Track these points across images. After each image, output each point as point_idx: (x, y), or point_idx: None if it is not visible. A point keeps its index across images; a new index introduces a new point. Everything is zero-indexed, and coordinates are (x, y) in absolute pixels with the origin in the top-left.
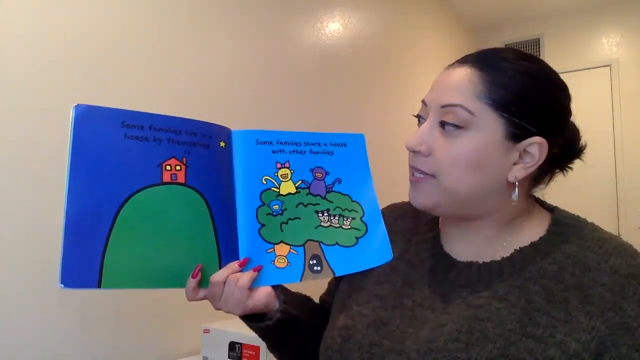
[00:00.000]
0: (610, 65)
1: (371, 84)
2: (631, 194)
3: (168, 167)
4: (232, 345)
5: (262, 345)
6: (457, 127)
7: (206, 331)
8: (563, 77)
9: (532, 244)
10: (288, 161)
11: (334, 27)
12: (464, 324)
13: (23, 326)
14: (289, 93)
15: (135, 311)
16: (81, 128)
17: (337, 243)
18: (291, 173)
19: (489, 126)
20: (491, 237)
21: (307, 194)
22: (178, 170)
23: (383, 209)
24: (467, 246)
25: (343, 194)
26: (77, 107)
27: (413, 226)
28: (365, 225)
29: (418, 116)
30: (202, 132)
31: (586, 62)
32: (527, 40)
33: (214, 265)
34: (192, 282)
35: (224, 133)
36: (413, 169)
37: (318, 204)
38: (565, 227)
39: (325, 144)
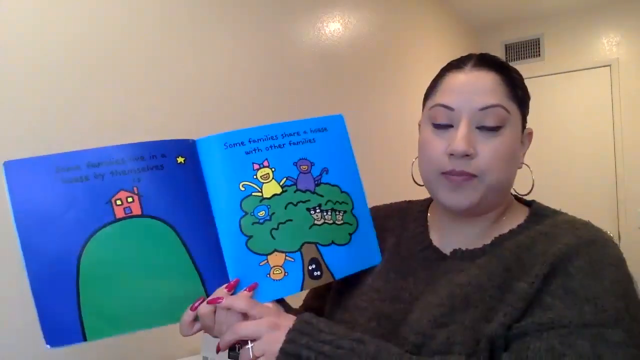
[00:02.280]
0: (610, 65)
1: (371, 83)
2: (631, 194)
3: (118, 202)
4: (232, 345)
5: None
6: (499, 127)
7: None
8: (563, 77)
9: (511, 230)
10: (266, 159)
11: (334, 27)
12: (447, 292)
13: (23, 326)
14: (289, 93)
15: None
16: (16, 186)
17: (332, 242)
18: (272, 172)
19: (516, 122)
20: (483, 231)
21: (295, 191)
22: (130, 202)
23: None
24: (458, 239)
25: (332, 185)
26: (6, 164)
27: (401, 223)
28: (356, 219)
29: (439, 124)
30: (150, 154)
31: (586, 62)
32: (527, 40)
33: (198, 292)
34: (189, 315)
35: (183, 146)
36: (454, 173)
37: (309, 200)
38: (541, 216)
39: (304, 132)
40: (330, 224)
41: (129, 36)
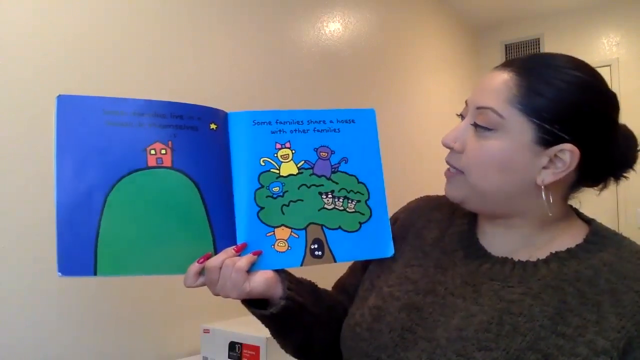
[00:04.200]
0: (610, 65)
1: (371, 83)
2: (631, 194)
3: (152, 152)
4: (232, 345)
5: (262, 345)
6: (488, 129)
7: (206, 331)
8: None
9: (569, 250)
10: (289, 141)
11: (334, 27)
12: (495, 315)
13: (23, 326)
14: (289, 93)
15: (135, 311)
16: (64, 118)
17: (340, 227)
18: (292, 153)
19: (518, 130)
20: (525, 238)
21: (310, 175)
22: (163, 154)
23: (419, 199)
24: (501, 243)
25: (349, 175)
26: (59, 97)
27: (449, 217)
28: (370, 209)
29: (461, 115)
30: (188, 115)
31: None
32: (527, 40)
33: (208, 249)
34: (195, 267)
35: (217, 115)
36: (447, 164)
37: (322, 185)
38: (603, 237)
39: (331, 121)
40: (341, 210)
41: (128, 37)
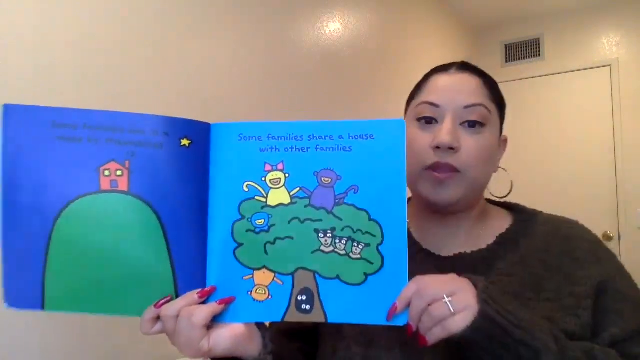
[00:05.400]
0: (610, 65)
1: (371, 83)
2: (631, 194)
3: (107, 173)
4: None
5: None
6: (482, 124)
7: None
8: (563, 77)
9: (509, 230)
10: (282, 162)
11: (334, 27)
12: None
13: (22, 326)
14: (289, 93)
15: None
16: (11, 131)
17: (338, 277)
18: (285, 177)
19: (496, 123)
20: (468, 230)
21: (306, 206)
22: (119, 175)
23: None
24: (449, 240)
25: (358, 209)
26: (5, 107)
27: None
28: (381, 257)
29: (425, 118)
30: (152, 129)
31: (586, 62)
32: (527, 40)
33: (168, 292)
34: (151, 312)
35: (192, 128)
36: (438, 165)
37: (320, 220)
38: (527, 214)
39: (340, 137)
40: (342, 254)
41: (128, 37)
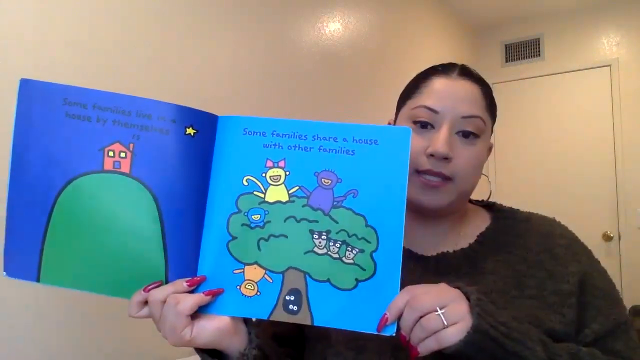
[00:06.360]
0: (610, 65)
1: (371, 83)
2: (631, 194)
3: (111, 153)
4: None
5: None
6: (476, 135)
7: None
8: (563, 77)
9: (489, 228)
10: (284, 159)
11: (334, 27)
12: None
13: (22, 326)
14: (289, 93)
15: None
16: (24, 105)
17: (329, 280)
18: (285, 175)
19: (488, 133)
20: (449, 229)
21: (303, 206)
22: (122, 157)
23: None
24: (431, 240)
25: (355, 213)
26: (22, 81)
27: None
28: (374, 264)
29: (421, 122)
30: (159, 115)
31: (586, 62)
32: (527, 40)
33: (159, 277)
34: (139, 295)
35: (199, 118)
36: (430, 172)
37: (316, 221)
38: (504, 212)
39: (344, 139)
40: (335, 258)
41: (128, 36)
